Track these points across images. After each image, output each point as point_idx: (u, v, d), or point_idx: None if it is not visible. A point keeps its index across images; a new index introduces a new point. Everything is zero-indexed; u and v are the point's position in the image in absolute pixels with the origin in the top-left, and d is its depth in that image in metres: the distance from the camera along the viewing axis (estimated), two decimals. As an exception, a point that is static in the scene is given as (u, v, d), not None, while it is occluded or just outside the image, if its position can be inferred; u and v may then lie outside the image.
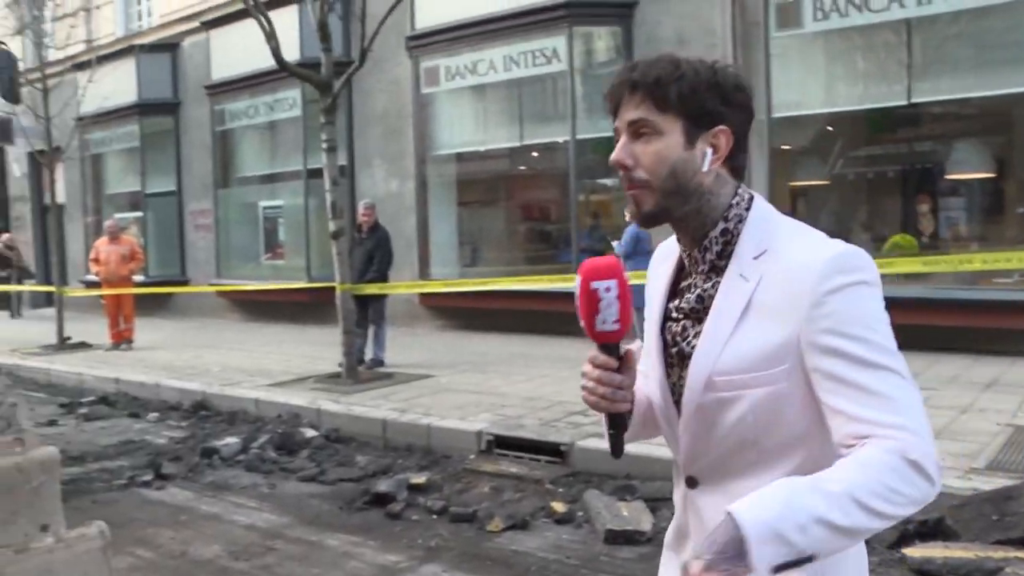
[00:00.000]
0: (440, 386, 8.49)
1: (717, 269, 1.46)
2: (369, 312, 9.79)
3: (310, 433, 7.32)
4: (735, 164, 1.46)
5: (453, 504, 5.44)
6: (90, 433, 8.19)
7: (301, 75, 9.29)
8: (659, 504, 5.08)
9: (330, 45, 8.90)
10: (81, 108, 16.61)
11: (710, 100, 1.40)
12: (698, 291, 1.47)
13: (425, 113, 13.33)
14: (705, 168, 1.41)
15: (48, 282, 20.74)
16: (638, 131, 1.42)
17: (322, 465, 6.57)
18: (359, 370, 9.17)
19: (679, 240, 1.52)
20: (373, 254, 9.75)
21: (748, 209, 1.45)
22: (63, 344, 13.12)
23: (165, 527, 5.39)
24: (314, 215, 14.39)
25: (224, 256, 16.92)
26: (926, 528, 4.30)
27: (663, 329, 1.54)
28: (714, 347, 1.41)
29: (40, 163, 20.85)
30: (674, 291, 1.54)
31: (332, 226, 9.09)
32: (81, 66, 16.78)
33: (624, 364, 1.44)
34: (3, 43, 6.92)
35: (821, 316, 1.32)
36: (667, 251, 1.60)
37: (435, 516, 5.36)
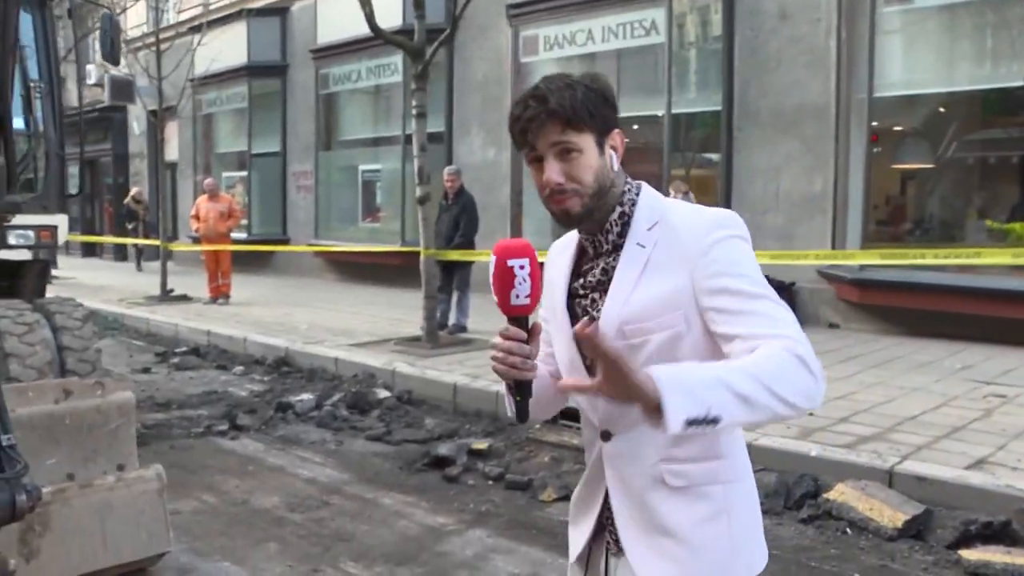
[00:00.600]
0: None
1: (618, 247, 1.69)
2: (454, 278, 9.87)
3: (383, 394, 7.45)
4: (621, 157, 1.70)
5: (510, 472, 5.46)
6: (178, 382, 8.52)
7: (394, 41, 9.36)
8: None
9: (423, 12, 8.92)
10: (194, 70, 17.22)
11: (605, 111, 1.64)
12: (602, 266, 1.71)
13: (523, 82, 13.25)
14: (615, 168, 1.68)
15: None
16: (564, 151, 1.62)
17: (390, 426, 6.69)
18: (440, 335, 9.27)
19: (581, 230, 1.73)
20: (459, 220, 9.80)
21: (638, 194, 1.71)
22: (166, 296, 13.66)
23: (232, 475, 5.58)
24: (411, 180, 14.48)
25: (323, 217, 17.30)
26: (990, 531, 4.11)
27: (570, 307, 1.75)
28: (620, 301, 1.63)
29: (160, 122, 21.82)
30: (576, 274, 1.77)
31: (418, 191, 9.17)
32: (195, 29, 17.30)
33: (531, 336, 1.61)
34: (106, 6, 7.14)
35: (709, 262, 1.57)
36: (565, 243, 1.83)
37: (491, 482, 5.39)
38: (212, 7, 19.77)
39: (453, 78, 14.27)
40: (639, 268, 1.63)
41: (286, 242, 17.99)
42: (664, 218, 1.65)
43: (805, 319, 10.05)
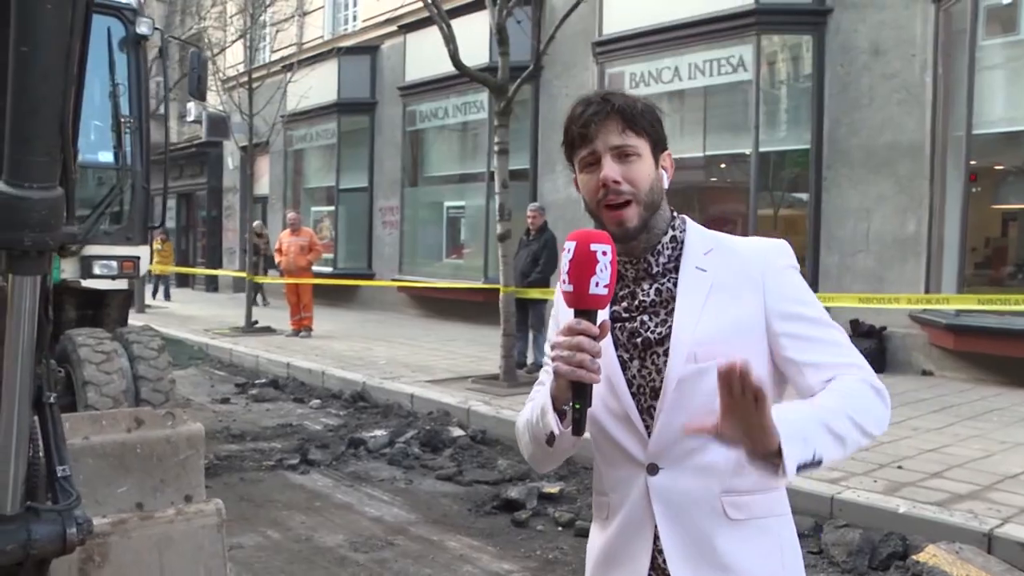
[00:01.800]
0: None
1: (666, 271, 1.66)
2: (529, 315, 9.78)
3: (456, 432, 7.35)
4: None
5: (581, 518, 5.29)
6: (255, 413, 8.58)
7: (477, 78, 9.39)
8: (796, 541, 4.74)
9: (507, 49, 8.93)
10: (286, 106, 17.66)
11: (660, 128, 1.65)
12: (655, 286, 1.66)
13: (593, 96, 13.15)
14: (666, 185, 1.66)
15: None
16: (623, 153, 1.60)
17: (462, 465, 6.58)
18: (518, 373, 9.17)
19: (624, 252, 1.65)
20: (539, 256, 9.72)
21: (684, 223, 1.70)
22: (250, 328, 13.89)
23: (298, 511, 5.53)
24: (494, 217, 14.55)
25: (408, 252, 17.43)
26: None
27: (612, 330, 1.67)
28: (690, 324, 1.59)
29: (251, 157, 22.42)
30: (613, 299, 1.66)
31: (499, 228, 9.14)
32: (289, 67, 17.75)
33: (601, 333, 1.49)
34: (195, 45, 7.35)
35: (781, 287, 1.59)
36: None
37: (560, 528, 5.23)
38: (305, 46, 20.31)
39: (539, 115, 14.29)
40: (704, 291, 1.60)
41: (371, 277, 18.17)
42: (720, 244, 1.66)
43: (896, 366, 9.65)
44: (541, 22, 9.00)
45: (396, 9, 17.11)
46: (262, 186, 23.31)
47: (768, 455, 1.34)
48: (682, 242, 1.67)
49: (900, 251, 9.86)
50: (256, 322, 14.12)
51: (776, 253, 1.63)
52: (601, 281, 1.47)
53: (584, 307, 1.49)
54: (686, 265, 1.64)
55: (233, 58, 21.47)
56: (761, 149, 11.06)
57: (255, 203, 23.75)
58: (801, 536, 4.77)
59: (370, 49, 18.46)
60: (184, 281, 26.25)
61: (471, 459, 6.76)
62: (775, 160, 11.48)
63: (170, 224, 28.26)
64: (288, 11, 19.09)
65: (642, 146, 1.61)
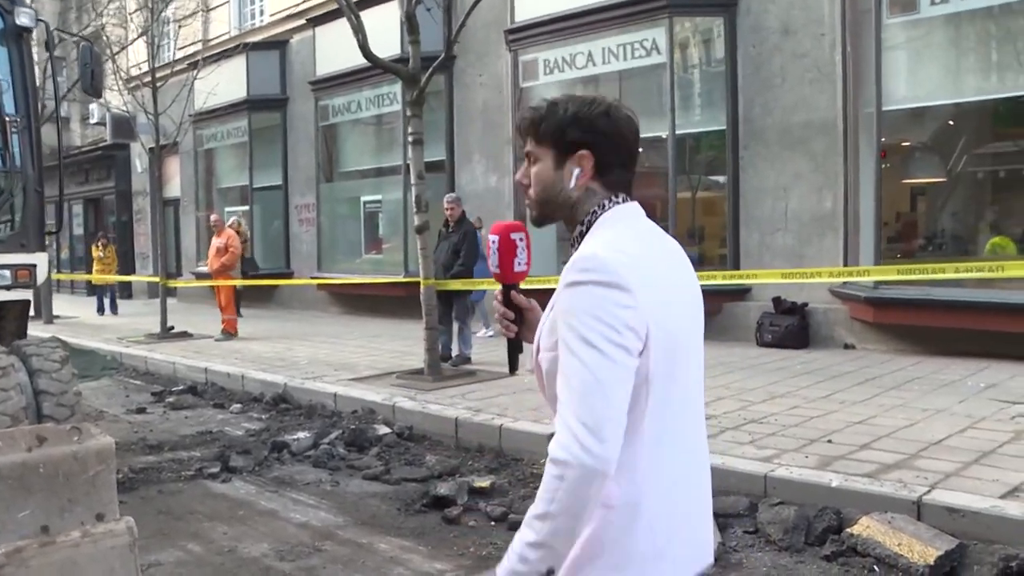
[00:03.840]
0: (523, 386, 8.18)
1: None
2: (453, 308, 9.62)
3: (383, 430, 7.16)
4: (611, 179, 1.74)
5: (514, 511, 5.16)
6: (173, 422, 8.25)
7: (388, 67, 9.17)
8: (730, 520, 4.69)
9: (417, 37, 8.72)
10: (194, 105, 17.11)
11: (572, 131, 1.71)
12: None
13: (524, 108, 13.07)
14: (572, 184, 1.73)
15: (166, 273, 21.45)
16: (530, 158, 1.78)
17: (389, 464, 6.40)
18: (443, 367, 9.01)
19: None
20: (459, 248, 9.56)
21: (598, 217, 1.75)
22: (166, 334, 13.43)
23: (221, 521, 5.29)
24: (413, 210, 14.32)
25: (326, 249, 17.10)
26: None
27: None
28: (544, 317, 1.76)
29: (160, 158, 21.71)
30: None
31: (416, 220, 8.95)
32: (195, 65, 17.22)
33: (516, 303, 1.93)
34: (86, 39, 6.97)
35: (559, 303, 1.63)
36: None
37: (493, 523, 5.09)
38: (212, 42, 19.74)
39: (453, 106, 14.11)
40: (558, 290, 1.68)
41: (290, 275, 17.78)
42: (579, 247, 1.73)
43: (819, 341, 9.76)
44: (452, 9, 8.83)
45: (304, 2, 16.77)
46: (173, 188, 22.62)
47: None
48: (584, 237, 1.77)
49: (818, 228, 9.98)
50: (172, 327, 13.66)
51: (568, 268, 1.64)
52: (521, 261, 1.90)
53: (509, 282, 1.91)
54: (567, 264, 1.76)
55: (136, 56, 20.74)
56: (678, 132, 11.09)
57: (166, 205, 23.09)
58: (737, 516, 4.78)
59: (279, 44, 18.05)
60: (95, 289, 25.33)
61: (398, 457, 6.59)
62: (692, 142, 11.53)
63: (78, 231, 27.31)
64: (192, 6, 18.52)
65: (543, 153, 1.75)
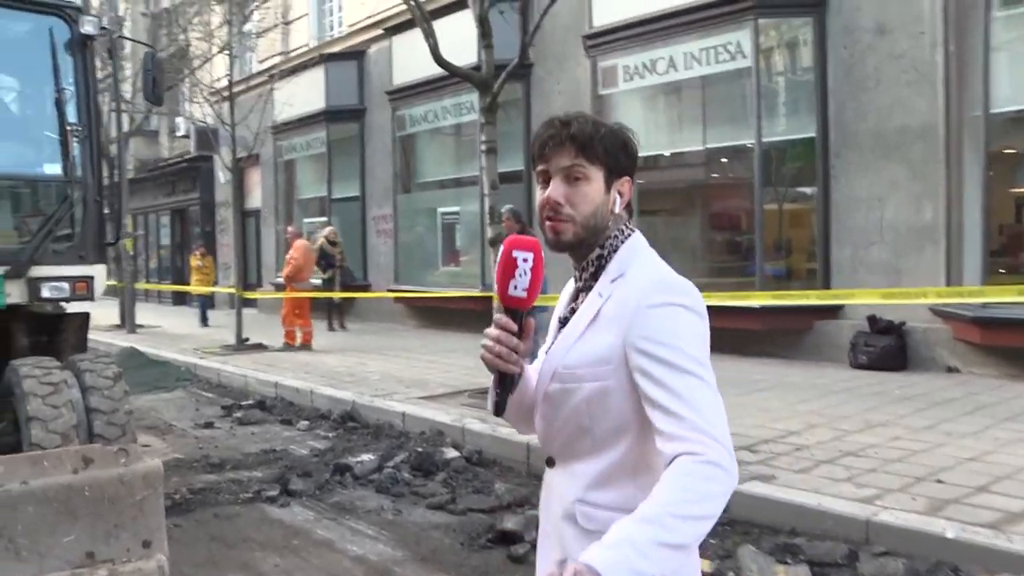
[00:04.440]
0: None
1: (588, 288, 1.74)
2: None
3: (450, 454, 6.82)
4: (628, 207, 1.75)
5: (585, 549, 4.74)
6: (239, 438, 8.06)
7: (460, 73, 8.88)
8: (827, 570, 4.19)
9: (491, 41, 8.42)
10: (274, 116, 17.18)
11: (621, 156, 1.70)
12: (573, 304, 1.78)
13: (605, 115, 12.65)
14: (617, 210, 1.71)
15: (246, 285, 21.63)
16: (571, 175, 1.67)
17: (456, 491, 6.04)
18: (516, 385, 8.63)
19: (575, 266, 1.77)
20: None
21: (623, 243, 1.73)
22: (241, 345, 13.39)
23: (274, 551, 5.00)
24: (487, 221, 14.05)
25: (403, 261, 16.92)
26: None
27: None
28: (566, 346, 1.70)
29: (241, 169, 21.90)
30: (571, 309, 1.79)
31: (489, 232, 8.62)
32: (275, 76, 17.28)
33: (523, 332, 1.66)
34: (150, 45, 6.84)
35: (641, 324, 1.59)
36: (571, 281, 1.84)
37: (562, 562, 4.69)
38: (292, 54, 19.83)
39: (531, 114, 13.77)
40: (589, 318, 1.68)
41: (367, 288, 17.66)
42: (628, 273, 1.69)
43: (918, 363, 9.12)
44: (527, 13, 8.55)
45: (381, 12, 16.65)
46: (255, 199, 22.84)
47: None
48: (607, 261, 1.73)
49: (917, 240, 9.33)
50: (247, 339, 13.61)
51: (654, 290, 1.62)
52: (519, 285, 1.63)
53: (506, 306, 1.65)
54: (595, 288, 1.71)
55: (219, 70, 21.03)
56: (764, 140, 10.54)
57: (247, 217, 23.33)
58: (835, 566, 4.26)
59: (356, 54, 17.99)
60: (181, 299, 25.74)
61: (466, 484, 6.23)
62: (779, 151, 10.95)
63: (165, 241, 27.82)
64: (272, 19, 18.62)
65: (592, 171, 1.67)
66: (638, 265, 1.69)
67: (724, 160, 12.13)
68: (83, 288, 5.54)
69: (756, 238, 10.64)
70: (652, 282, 1.63)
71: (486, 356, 1.67)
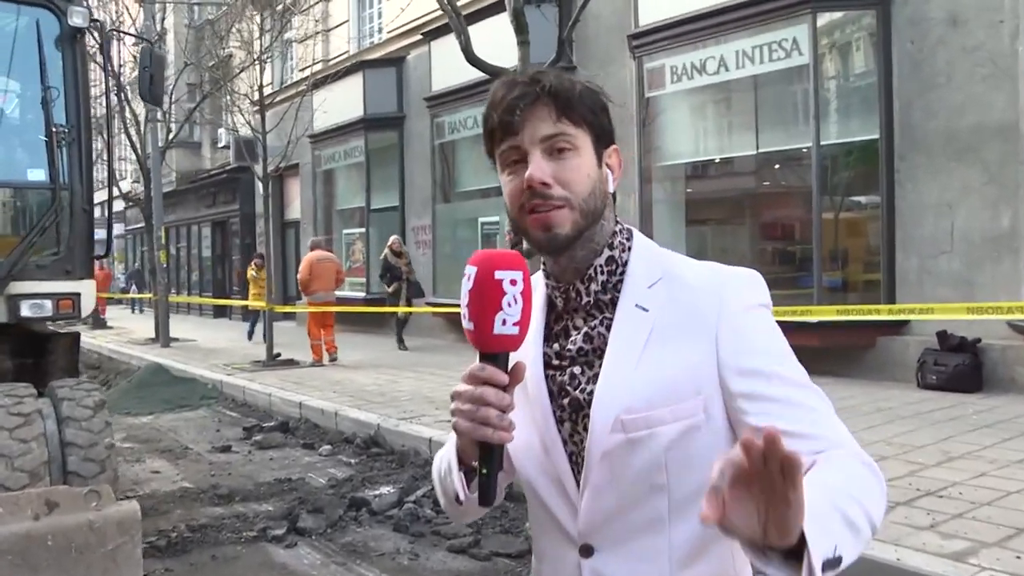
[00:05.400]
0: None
1: (601, 305, 1.34)
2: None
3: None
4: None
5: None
6: (256, 464, 7.53)
7: (493, 71, 8.27)
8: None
9: (526, 37, 7.83)
10: (313, 125, 16.78)
11: (604, 118, 1.33)
12: (583, 331, 1.34)
13: (651, 119, 12.01)
14: (611, 188, 1.35)
15: (285, 298, 21.29)
16: (556, 147, 1.28)
17: (481, 531, 5.42)
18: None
19: (553, 274, 1.36)
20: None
21: (629, 239, 1.37)
22: (272, 361, 12.93)
23: (270, 605, 4.43)
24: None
25: (442, 273, 16.35)
26: None
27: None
28: (618, 384, 1.27)
29: (281, 180, 21.58)
30: (546, 335, 1.38)
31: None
32: (313, 85, 16.89)
33: (512, 381, 1.20)
34: (147, 39, 6.37)
35: (739, 334, 1.26)
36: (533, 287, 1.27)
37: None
38: (332, 61, 19.45)
39: (573, 119, 13.14)
40: (641, 340, 1.28)
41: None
42: (670, 273, 1.32)
43: (995, 384, 8.32)
44: (567, 8, 8.00)
45: (421, 17, 16.16)
46: (294, 210, 22.51)
47: (776, 547, 0.96)
48: (624, 265, 1.34)
49: (992, 249, 8.52)
50: (279, 355, 13.15)
51: (738, 288, 1.29)
52: (510, 318, 1.17)
53: (489, 350, 1.19)
54: (625, 301, 1.31)
55: (257, 80, 20.72)
56: (822, 142, 9.79)
57: (287, 227, 23.01)
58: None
59: (395, 61, 17.55)
60: (221, 311, 25.50)
61: (492, 522, 5.60)
62: (839, 155, 10.18)
63: (206, 252, 27.65)
64: (311, 27, 18.27)
65: (580, 137, 1.29)
66: (677, 263, 1.34)
67: (778, 166, 11.40)
68: (68, 306, 5.03)
69: (814, 248, 9.88)
70: (731, 279, 1.30)
71: (462, 425, 1.19)
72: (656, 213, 12.02)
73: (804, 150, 10.14)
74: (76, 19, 5.19)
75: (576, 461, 1.32)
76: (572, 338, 1.34)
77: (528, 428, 1.33)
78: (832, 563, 1.00)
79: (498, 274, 1.17)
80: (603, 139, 1.33)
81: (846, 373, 9.32)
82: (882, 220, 9.42)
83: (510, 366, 1.21)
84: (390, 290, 14.39)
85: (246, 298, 19.18)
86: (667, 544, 1.27)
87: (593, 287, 1.33)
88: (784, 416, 1.19)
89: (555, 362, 1.35)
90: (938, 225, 8.94)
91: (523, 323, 1.19)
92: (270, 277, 14.71)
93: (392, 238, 14.79)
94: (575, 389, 1.32)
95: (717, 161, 11.89)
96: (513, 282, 1.17)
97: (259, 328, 17.02)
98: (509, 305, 1.17)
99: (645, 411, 1.25)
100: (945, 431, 6.68)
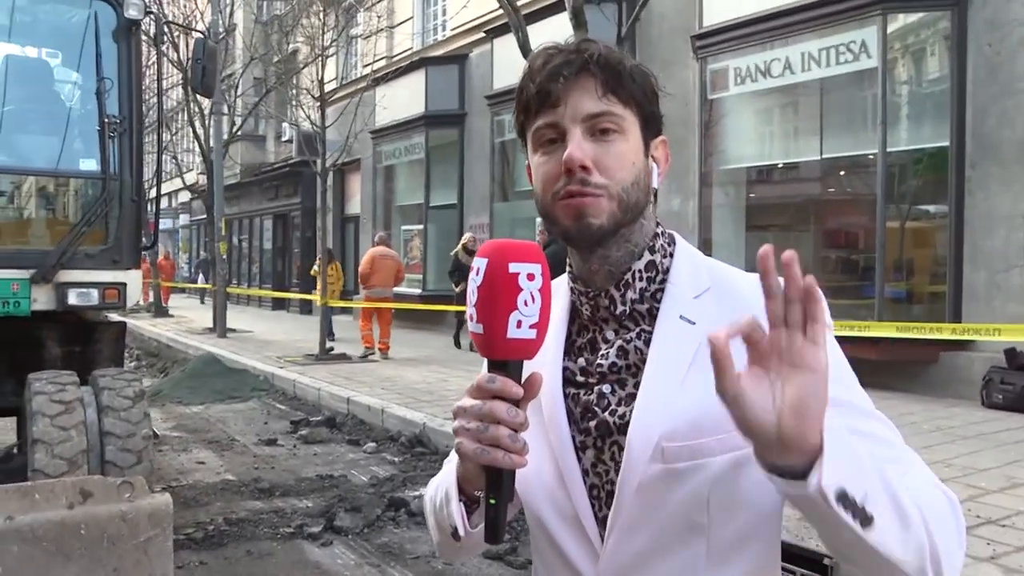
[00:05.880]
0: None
1: (636, 316, 1.18)
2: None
3: (520, 490, 6.10)
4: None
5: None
6: (299, 459, 7.52)
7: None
8: None
9: (586, 29, 7.70)
10: (375, 121, 16.84)
11: (656, 103, 1.18)
12: (617, 344, 1.18)
13: (714, 122, 11.79)
14: (655, 183, 1.19)
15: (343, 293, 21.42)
16: (599, 127, 1.12)
17: (519, 538, 5.30)
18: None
19: (581, 277, 1.20)
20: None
21: (671, 244, 1.22)
22: (324, 355, 12.98)
23: (300, 604, 4.38)
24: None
25: (498, 272, 16.29)
26: None
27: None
28: (659, 406, 1.11)
29: (343, 174, 21.74)
30: (567, 348, 1.22)
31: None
32: (377, 80, 16.96)
33: (527, 394, 1.02)
34: (201, 32, 6.39)
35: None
36: (553, 291, 1.09)
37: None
38: (395, 58, 19.51)
39: (635, 120, 12.97)
40: (688, 355, 1.11)
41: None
42: (720, 283, 1.17)
43: (1067, 406, 7.94)
44: (627, 7, 7.85)
45: (485, 15, 16.11)
46: (355, 205, 22.66)
47: (792, 453, 0.86)
48: (665, 272, 1.17)
49: (1067, 265, 8.16)
50: (331, 349, 13.21)
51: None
52: (526, 319, 0.99)
53: (500, 357, 1.02)
54: (668, 312, 1.15)
55: (327, 75, 20.90)
56: (889, 149, 9.48)
57: (347, 222, 23.18)
58: None
59: (458, 58, 17.52)
60: (280, 304, 25.80)
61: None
62: (907, 161, 9.86)
63: (267, 245, 27.99)
64: (377, 24, 18.36)
65: (629, 120, 1.13)
66: (725, 272, 1.19)
67: (843, 172, 11.08)
68: (113, 296, 5.05)
69: (877, 258, 9.58)
70: None
71: (469, 448, 1.02)
72: (716, 218, 11.80)
73: (870, 156, 9.84)
74: (132, 11, 5.21)
75: (598, 495, 1.17)
76: (602, 352, 1.18)
77: (540, 455, 1.16)
78: (855, 508, 0.87)
79: (513, 267, 0.99)
80: (652, 126, 1.18)
81: (906, 388, 9.02)
82: (950, 230, 9.09)
83: (524, 377, 1.03)
84: (457, 290, 13.68)
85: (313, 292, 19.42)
86: None
87: (630, 295, 1.18)
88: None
89: (579, 379, 1.19)
90: (1010, 238, 8.59)
91: (541, 325, 1.02)
92: (325, 271, 14.72)
93: (467, 235, 14.20)
94: (604, 411, 1.16)
95: (780, 166, 11.62)
96: (531, 277, 1.00)
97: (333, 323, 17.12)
98: (526, 304, 0.99)
99: (690, 439, 1.10)
100: (1011, 455, 6.39)
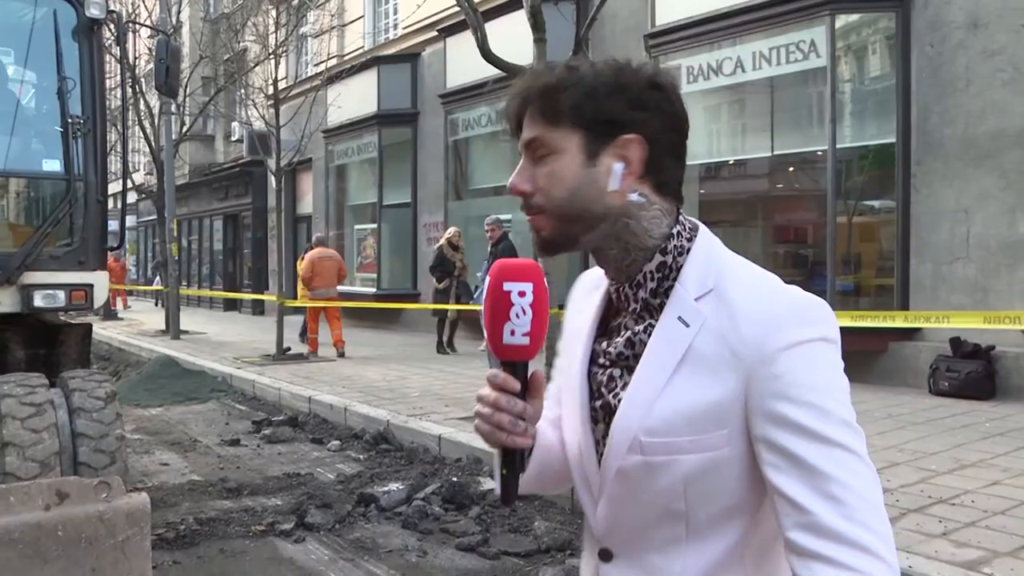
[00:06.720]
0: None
1: (651, 309, 1.25)
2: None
3: (488, 485, 6.18)
4: (663, 180, 1.23)
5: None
6: (264, 459, 7.52)
7: (508, 69, 8.24)
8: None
9: (543, 35, 7.79)
10: (326, 120, 16.78)
11: (611, 104, 1.19)
12: (628, 334, 1.27)
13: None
14: (615, 187, 1.21)
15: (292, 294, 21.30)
16: (535, 152, 1.23)
17: (490, 529, 5.41)
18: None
19: (606, 273, 1.31)
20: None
21: (691, 240, 1.25)
22: (281, 355, 12.93)
23: (277, 600, 4.42)
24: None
25: (453, 271, 16.34)
26: None
27: (588, 375, 1.32)
28: (643, 402, 1.20)
29: (294, 174, 21.58)
30: (603, 330, 1.34)
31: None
32: (328, 80, 16.90)
33: (530, 390, 1.21)
34: (163, 31, 6.38)
35: (771, 376, 1.11)
36: (594, 281, 1.39)
37: (605, 627, 4.02)
38: (346, 56, 19.45)
39: (588, 118, 13.10)
40: (676, 357, 1.18)
41: (416, 297, 17.14)
42: (720, 287, 1.19)
43: (1009, 392, 8.25)
44: (584, 7, 7.97)
45: (437, 14, 16.14)
46: (307, 204, 22.54)
47: None
48: (678, 271, 1.23)
49: (1008, 257, 8.47)
50: (288, 349, 13.16)
51: (785, 320, 1.13)
52: (518, 329, 1.18)
53: (503, 357, 1.21)
54: (670, 311, 1.21)
55: (271, 74, 20.73)
56: (839, 146, 9.75)
57: (299, 222, 23.04)
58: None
59: (410, 57, 17.54)
60: (233, 304, 25.55)
61: (502, 520, 5.59)
62: (854, 158, 10.13)
63: (217, 246, 27.70)
64: (327, 22, 18.28)
65: (560, 138, 1.21)
66: (734, 276, 1.20)
67: (792, 169, 11.34)
68: (81, 297, 5.03)
69: (827, 252, 9.83)
70: (781, 307, 1.15)
71: (483, 428, 1.21)
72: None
73: (819, 153, 10.10)
74: (93, 10, 5.19)
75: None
76: (616, 339, 1.29)
77: (574, 421, 1.33)
78: None
79: (506, 285, 1.18)
80: (601, 131, 1.20)
81: (857, 378, 9.22)
82: (897, 225, 9.37)
83: (530, 373, 1.22)
84: (440, 286, 13.37)
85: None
86: (675, 567, 1.21)
87: (642, 293, 1.26)
88: (801, 482, 1.08)
89: (600, 360, 1.31)
90: (954, 231, 8.89)
91: (534, 334, 1.18)
92: (281, 271, 14.63)
93: (451, 229, 13.75)
94: (609, 392, 1.28)
95: (732, 163, 11.85)
96: (522, 294, 1.17)
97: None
98: (517, 316, 1.18)
99: (666, 436, 1.18)
100: (957, 438, 6.64)
